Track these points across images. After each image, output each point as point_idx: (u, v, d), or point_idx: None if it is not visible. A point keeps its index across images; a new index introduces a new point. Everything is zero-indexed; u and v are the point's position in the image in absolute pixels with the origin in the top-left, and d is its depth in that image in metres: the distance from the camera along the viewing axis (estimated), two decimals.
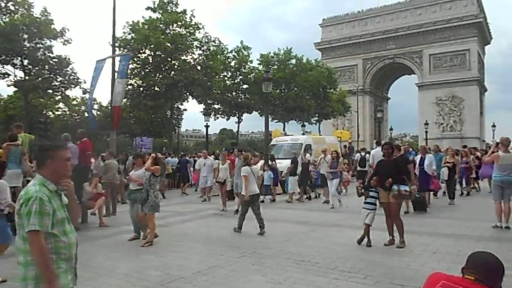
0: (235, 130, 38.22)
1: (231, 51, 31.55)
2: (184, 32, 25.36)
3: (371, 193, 6.98)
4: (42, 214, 2.31)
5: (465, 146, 17.13)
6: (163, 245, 6.96)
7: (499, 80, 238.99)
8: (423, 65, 53.10)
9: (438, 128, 50.72)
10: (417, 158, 11.05)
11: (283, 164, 14.94)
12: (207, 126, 27.43)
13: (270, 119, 28.33)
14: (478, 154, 16.02)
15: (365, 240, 6.75)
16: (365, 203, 6.98)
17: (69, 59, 23.67)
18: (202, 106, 30.46)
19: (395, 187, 6.59)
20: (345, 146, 23.74)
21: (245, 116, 34.75)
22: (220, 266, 5.66)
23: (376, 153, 11.83)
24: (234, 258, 6.07)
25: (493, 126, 48.18)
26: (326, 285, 4.78)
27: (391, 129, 50.79)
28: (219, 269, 5.53)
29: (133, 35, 24.77)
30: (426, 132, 42.01)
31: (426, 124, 42.96)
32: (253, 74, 32.25)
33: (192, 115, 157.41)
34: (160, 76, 25.22)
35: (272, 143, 18.92)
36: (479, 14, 50.51)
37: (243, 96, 33.27)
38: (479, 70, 52.39)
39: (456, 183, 12.10)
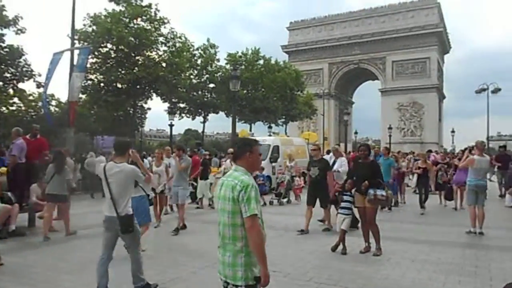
0: (200, 130, 37.31)
1: (197, 49, 30.72)
2: (149, 27, 24.35)
3: (346, 197, 6.60)
4: (257, 200, 2.43)
5: (430, 151, 17.15)
6: (117, 255, 6.18)
7: (456, 88, 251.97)
8: (386, 71, 54.36)
9: (399, 133, 52.01)
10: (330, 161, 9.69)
11: None
12: (171, 125, 26.45)
13: (236, 119, 27.72)
14: (436, 157, 14.83)
15: (340, 247, 6.35)
16: (341, 207, 6.58)
17: (22, 49, 21.91)
18: (166, 105, 29.42)
19: (371, 191, 6.22)
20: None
21: (210, 116, 34.01)
22: (182, 279, 5.06)
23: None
24: (198, 269, 5.47)
25: (453, 131, 50.13)
26: None
27: (356, 133, 51.58)
28: (182, 282, 4.93)
29: (94, 27, 23.47)
30: (390, 136, 42.84)
31: (390, 128, 43.79)
32: (220, 73, 31.56)
33: (156, 115, 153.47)
34: (123, 72, 24.04)
35: None
36: (439, 23, 52.33)
37: (209, 96, 32.51)
38: (438, 78, 54.28)
39: (428, 191, 11.04)
